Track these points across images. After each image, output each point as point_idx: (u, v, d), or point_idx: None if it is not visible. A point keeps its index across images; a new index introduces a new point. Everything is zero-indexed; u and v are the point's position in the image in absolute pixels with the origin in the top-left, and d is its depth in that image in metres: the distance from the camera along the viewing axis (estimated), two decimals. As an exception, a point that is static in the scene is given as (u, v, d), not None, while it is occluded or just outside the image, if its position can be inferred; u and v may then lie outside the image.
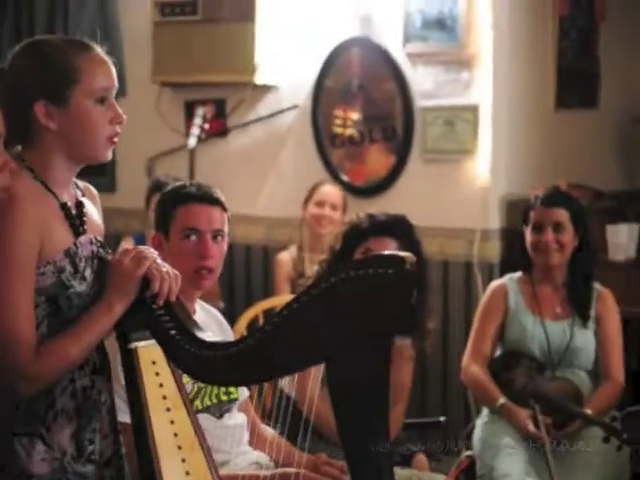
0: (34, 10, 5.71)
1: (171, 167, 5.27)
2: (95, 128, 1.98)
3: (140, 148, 5.48)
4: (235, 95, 5.26)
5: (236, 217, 5.20)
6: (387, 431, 1.91)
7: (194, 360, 1.97)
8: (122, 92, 5.52)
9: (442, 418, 3.67)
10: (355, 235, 3.16)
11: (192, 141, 4.93)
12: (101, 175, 5.54)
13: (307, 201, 4.73)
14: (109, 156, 2.05)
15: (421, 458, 3.31)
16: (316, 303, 1.86)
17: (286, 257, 4.77)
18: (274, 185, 5.26)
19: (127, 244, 4.85)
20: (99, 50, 2.03)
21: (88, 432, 2.00)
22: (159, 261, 2.04)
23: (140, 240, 4.57)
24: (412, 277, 1.84)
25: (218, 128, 5.30)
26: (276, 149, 5.27)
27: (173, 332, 1.99)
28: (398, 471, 2.88)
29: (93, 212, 2.13)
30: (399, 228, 3.19)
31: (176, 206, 2.63)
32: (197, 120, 4.98)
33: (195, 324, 2.05)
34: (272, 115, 5.23)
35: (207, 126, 5.01)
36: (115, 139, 2.02)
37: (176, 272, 2.05)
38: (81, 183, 2.16)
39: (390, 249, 3.11)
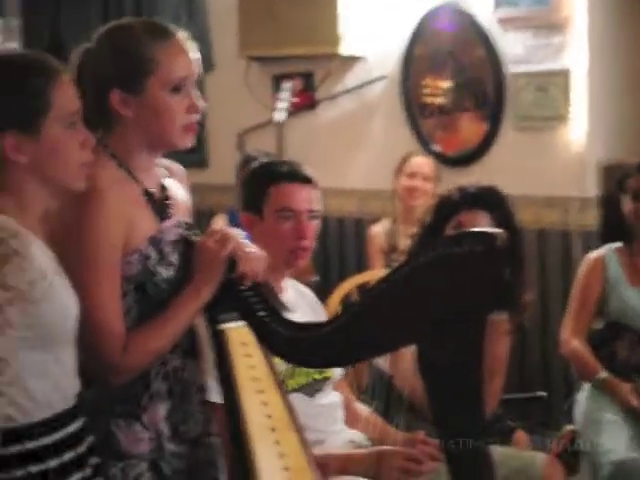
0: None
1: (261, 141, 5.24)
2: (170, 117, 1.97)
3: (230, 123, 5.50)
4: (322, 67, 5.21)
5: (328, 190, 5.16)
6: (482, 411, 1.87)
7: (284, 342, 1.96)
8: (210, 67, 5.55)
9: (542, 393, 3.59)
10: (446, 208, 3.09)
11: (280, 115, 4.89)
12: (192, 151, 5.48)
13: (398, 173, 4.65)
14: (189, 143, 2.04)
15: (521, 435, 3.22)
16: (406, 282, 1.83)
17: (379, 230, 4.72)
18: (365, 157, 5.21)
19: (220, 220, 4.86)
20: (180, 37, 2.01)
21: (180, 412, 2.01)
22: (245, 241, 2.02)
23: (233, 216, 4.56)
24: (503, 254, 1.79)
25: (306, 101, 5.25)
26: (365, 121, 5.21)
27: (262, 313, 1.98)
28: (497, 449, 2.83)
29: (177, 192, 2.12)
30: (491, 200, 3.10)
31: (269, 185, 2.57)
32: (285, 94, 4.93)
33: (284, 305, 2.03)
34: (360, 86, 5.16)
35: (295, 100, 4.97)
36: (193, 128, 2.01)
37: (262, 252, 2.03)
38: (165, 161, 2.16)
39: (482, 221, 3.03)
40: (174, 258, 1.99)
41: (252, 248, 2.02)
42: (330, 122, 5.31)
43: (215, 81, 5.51)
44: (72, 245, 1.87)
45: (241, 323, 2.01)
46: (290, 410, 2.05)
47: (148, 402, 1.96)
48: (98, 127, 1.98)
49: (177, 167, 2.21)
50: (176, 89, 1.97)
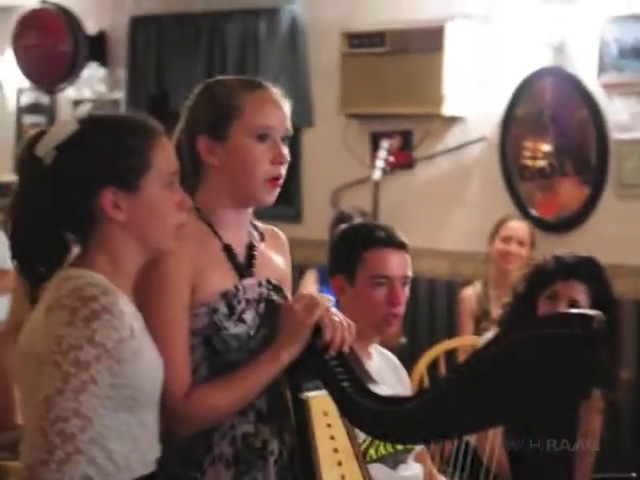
0: (226, 48, 5.83)
1: (356, 199, 5.24)
2: (253, 165, 1.96)
3: (326, 179, 5.52)
4: (422, 126, 5.18)
5: (421, 250, 5.15)
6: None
7: (367, 414, 1.90)
8: (310, 123, 5.60)
9: (634, 474, 3.43)
10: (541, 278, 2.99)
11: (377, 173, 4.89)
12: (288, 205, 5.62)
13: (493, 236, 4.59)
14: (271, 199, 2.01)
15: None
16: (496, 363, 1.77)
17: (470, 293, 4.65)
18: (460, 218, 5.15)
19: (310, 276, 4.86)
20: (272, 90, 2.02)
21: None
22: (333, 309, 1.98)
23: (324, 272, 4.54)
24: (601, 337, 1.71)
25: (404, 160, 5.22)
26: (463, 181, 5.15)
27: (345, 384, 1.93)
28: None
29: (272, 256, 2.10)
30: (588, 271, 3.00)
31: (364, 250, 2.53)
32: (382, 152, 4.94)
33: (369, 376, 1.98)
34: (459, 147, 5.12)
35: (392, 158, 4.96)
36: (277, 181, 1.98)
37: (350, 321, 1.98)
38: (267, 227, 2.14)
39: (578, 293, 2.95)
40: (249, 316, 1.96)
41: (340, 316, 1.98)
42: (427, 182, 5.27)
43: (313, 137, 5.55)
44: (144, 293, 1.86)
45: (324, 392, 1.96)
46: (369, 482, 2.00)
47: (209, 466, 1.92)
48: (192, 178, 1.98)
49: (280, 235, 2.18)
50: (261, 137, 1.96)
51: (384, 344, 4.33)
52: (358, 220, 4.16)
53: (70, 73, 6.65)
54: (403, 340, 4.77)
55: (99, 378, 1.61)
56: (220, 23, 5.87)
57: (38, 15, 6.68)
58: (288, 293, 2.10)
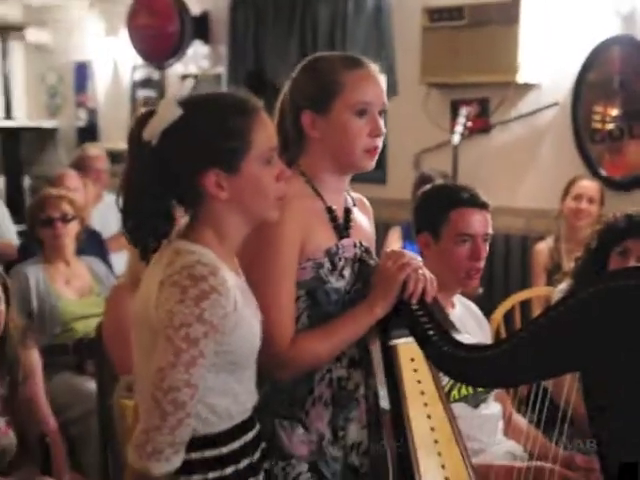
0: (317, 26, 5.76)
1: (436, 161, 5.18)
2: (353, 139, 1.93)
3: (408, 143, 5.45)
4: (498, 94, 5.06)
5: (497, 209, 4.99)
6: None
7: (450, 360, 1.88)
8: (393, 92, 5.50)
9: None
10: (612, 234, 2.90)
11: (456, 138, 4.81)
12: (375, 168, 5.54)
13: (565, 194, 4.48)
14: (371, 166, 1.99)
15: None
16: (571, 313, 1.72)
17: (543, 247, 4.56)
18: (534, 179, 5.04)
19: (395, 233, 4.83)
20: (371, 67, 1.97)
21: (341, 419, 1.96)
22: (419, 264, 1.96)
23: (407, 230, 4.51)
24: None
25: (481, 125, 5.14)
26: (536, 145, 5.03)
27: (431, 332, 1.92)
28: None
29: (362, 221, 2.09)
30: (660, 227, 2.90)
31: (450, 210, 2.49)
32: (461, 119, 4.85)
33: (452, 325, 1.95)
34: (533, 112, 4.99)
35: (470, 124, 4.88)
36: (374, 151, 1.96)
37: (432, 275, 1.96)
38: (356, 195, 2.13)
39: (649, 250, 2.85)
40: (347, 272, 1.96)
41: (425, 271, 1.96)
42: (502, 145, 5.17)
43: (397, 106, 5.41)
44: (252, 250, 1.86)
45: (410, 339, 1.95)
46: (452, 423, 1.97)
47: (311, 407, 1.93)
48: (295, 147, 1.97)
49: (366, 202, 2.17)
50: (360, 113, 1.92)
51: (463, 294, 4.27)
52: (439, 181, 4.11)
53: (177, 50, 6.68)
54: (480, 290, 4.72)
55: (206, 351, 1.61)
56: (311, 2, 5.79)
57: (149, -1, 6.73)
58: (373, 252, 2.08)
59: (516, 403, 2.78)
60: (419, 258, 1.98)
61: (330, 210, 1.98)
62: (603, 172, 4.74)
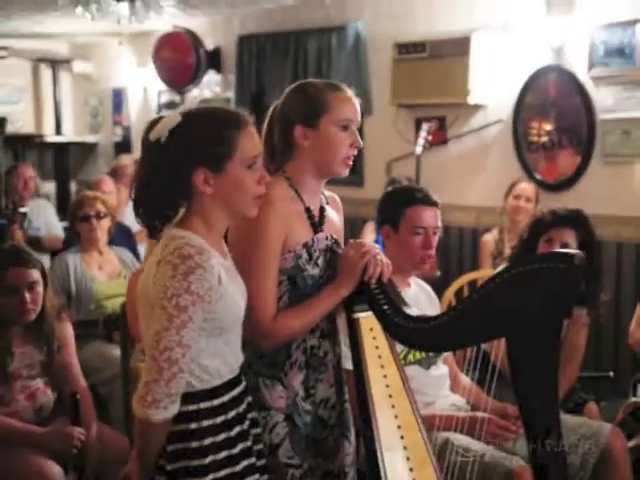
0: (307, 57, 5.74)
1: (404, 168, 5.13)
2: (337, 149, 1.90)
3: (381, 153, 5.41)
4: (453, 113, 5.03)
5: (452, 206, 5.04)
6: (556, 391, 1.72)
7: (400, 329, 1.87)
8: (369, 112, 5.49)
9: (611, 373, 3.33)
10: (540, 226, 2.90)
11: (419, 149, 4.78)
12: (353, 173, 5.54)
13: (507, 194, 4.44)
14: (346, 172, 1.96)
15: (592, 406, 2.99)
16: (501, 290, 1.70)
17: (489, 238, 4.53)
18: (482, 182, 5.01)
19: (369, 226, 4.80)
20: (349, 91, 1.95)
21: (312, 380, 1.94)
22: (378, 251, 1.94)
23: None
24: (580, 271, 1.64)
25: (440, 139, 5.09)
26: (484, 154, 5.00)
27: (385, 307, 1.90)
28: (570, 418, 2.64)
29: (334, 216, 2.06)
30: (576, 220, 2.89)
31: (406, 207, 2.48)
32: (422, 133, 4.82)
33: (403, 301, 1.93)
34: (481, 128, 4.96)
35: (430, 137, 4.84)
36: (350, 161, 1.94)
37: (388, 260, 1.94)
38: (329, 194, 2.10)
39: (568, 237, 2.84)
40: (320, 261, 1.93)
41: (382, 256, 1.94)
42: (457, 155, 5.14)
43: (372, 122, 5.45)
44: (243, 240, 1.84)
45: (370, 313, 1.93)
46: (404, 381, 1.95)
47: (289, 369, 1.91)
48: (282, 156, 1.94)
49: (337, 199, 2.14)
50: (344, 127, 1.90)
51: (425, 276, 4.26)
52: (404, 184, 4.08)
53: (194, 79, 6.64)
54: (438, 273, 4.70)
55: (195, 317, 1.59)
56: (302, 39, 5.77)
57: (171, 37, 6.66)
58: (342, 242, 2.06)
59: (465, 365, 2.77)
60: (377, 246, 1.96)
61: (308, 210, 1.95)
62: (538, 176, 4.70)
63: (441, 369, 2.55)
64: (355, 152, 1.94)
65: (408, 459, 1.89)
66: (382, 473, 1.82)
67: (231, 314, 1.69)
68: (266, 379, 1.89)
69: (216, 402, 1.68)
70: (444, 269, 4.67)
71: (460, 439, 2.31)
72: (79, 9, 4.59)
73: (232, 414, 1.71)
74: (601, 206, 4.37)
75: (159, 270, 1.60)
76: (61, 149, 7.94)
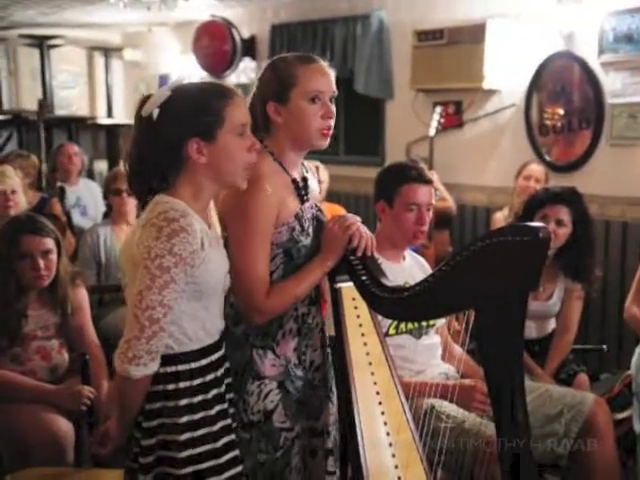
0: (334, 44, 5.64)
1: (422, 149, 5.01)
2: (308, 122, 1.80)
3: (401, 135, 5.30)
4: (469, 97, 4.89)
5: (467, 186, 4.92)
6: (520, 362, 1.62)
7: (377, 299, 1.79)
8: (391, 96, 5.38)
9: (603, 346, 3.20)
10: (535, 203, 2.79)
11: (432, 131, 4.67)
12: (375, 154, 5.45)
13: (518, 175, 4.31)
14: (325, 144, 1.84)
15: (582, 377, 2.89)
16: (469, 261, 1.60)
17: (500, 216, 4.41)
18: (495, 163, 4.86)
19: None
20: (321, 62, 1.84)
21: (304, 346, 1.89)
22: (360, 225, 1.86)
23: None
24: (545, 244, 1.53)
25: (456, 122, 4.97)
26: (498, 137, 4.85)
27: (364, 278, 1.82)
28: (555, 388, 2.55)
29: (314, 184, 1.98)
30: (570, 197, 2.77)
31: (401, 184, 2.39)
32: (435, 116, 4.70)
33: (383, 273, 1.85)
34: (496, 112, 4.82)
35: (443, 120, 4.72)
36: (327, 131, 1.82)
37: (371, 233, 1.86)
38: (310, 163, 2.02)
39: (562, 214, 2.73)
40: (310, 231, 1.86)
41: (365, 229, 1.86)
42: (472, 137, 5.00)
43: (393, 106, 5.34)
44: (237, 217, 1.76)
45: (351, 284, 1.86)
46: (384, 348, 1.88)
47: (281, 338, 1.85)
48: (263, 131, 1.86)
49: (315, 168, 2.04)
50: (313, 100, 1.79)
51: (439, 253, 4.13)
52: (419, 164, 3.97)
53: (231, 65, 6.57)
54: (450, 249, 4.61)
55: (177, 278, 1.54)
56: (329, 27, 5.67)
57: (209, 26, 6.60)
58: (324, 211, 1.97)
59: (465, 335, 2.69)
60: (358, 219, 1.88)
61: (295, 181, 1.87)
62: (548, 158, 4.56)
63: (433, 339, 2.47)
64: (331, 123, 1.82)
65: (385, 424, 1.83)
66: (358, 433, 1.77)
67: (212, 280, 1.64)
68: (259, 349, 1.83)
69: (194, 365, 1.64)
70: (459, 246, 4.56)
71: (445, 406, 2.23)
72: (113, -1, 4.55)
73: (210, 377, 1.66)
74: (608, 187, 4.22)
75: (144, 232, 1.55)
76: (112, 131, 7.97)
